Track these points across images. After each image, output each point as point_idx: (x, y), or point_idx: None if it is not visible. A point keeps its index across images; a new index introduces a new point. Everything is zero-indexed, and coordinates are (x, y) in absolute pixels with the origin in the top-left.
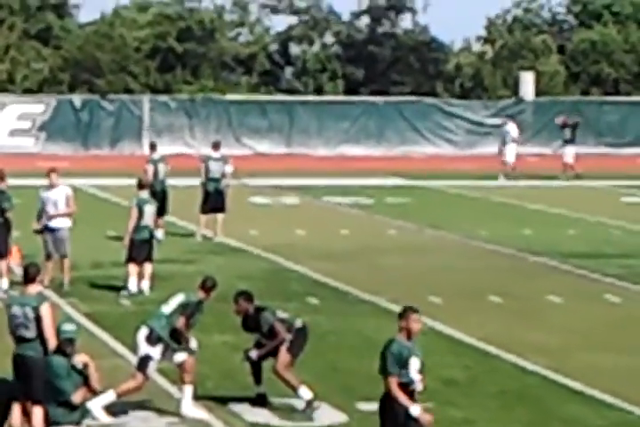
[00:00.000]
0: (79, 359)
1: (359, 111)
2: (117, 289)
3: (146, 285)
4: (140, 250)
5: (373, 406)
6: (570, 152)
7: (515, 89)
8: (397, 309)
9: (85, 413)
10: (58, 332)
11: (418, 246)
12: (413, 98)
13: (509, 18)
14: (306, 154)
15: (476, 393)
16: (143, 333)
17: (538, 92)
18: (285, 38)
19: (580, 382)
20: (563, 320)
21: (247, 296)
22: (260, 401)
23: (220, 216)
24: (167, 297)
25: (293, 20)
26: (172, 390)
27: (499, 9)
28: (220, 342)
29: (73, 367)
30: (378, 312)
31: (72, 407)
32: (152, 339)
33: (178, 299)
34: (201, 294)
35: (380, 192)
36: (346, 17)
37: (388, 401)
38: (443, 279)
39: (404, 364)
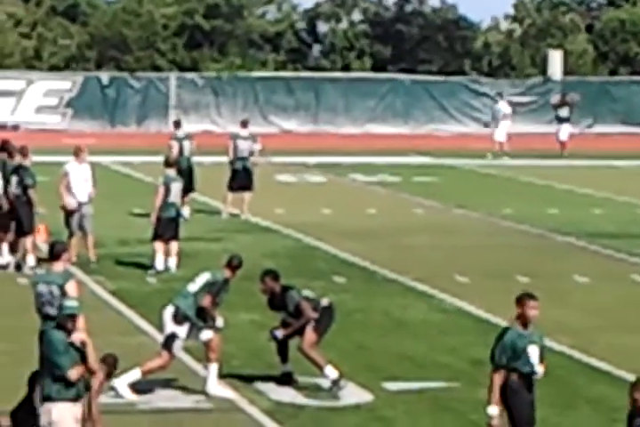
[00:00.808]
0: (76, 337)
1: (386, 89)
2: (143, 267)
3: (172, 262)
4: (167, 228)
5: (399, 386)
6: (566, 130)
7: (543, 68)
8: (423, 288)
9: (81, 391)
10: (60, 307)
11: (444, 226)
12: (440, 77)
13: None
14: (332, 132)
15: None
16: (169, 311)
17: (566, 72)
18: (313, 16)
19: (606, 363)
20: (589, 300)
21: (273, 275)
22: (285, 380)
23: (247, 194)
24: (193, 275)
25: None
26: (198, 367)
27: None
28: (247, 320)
29: (71, 344)
30: (404, 291)
31: (68, 384)
32: (178, 317)
33: (204, 277)
34: (227, 273)
35: (407, 171)
36: None
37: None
38: (469, 259)
39: (519, 354)
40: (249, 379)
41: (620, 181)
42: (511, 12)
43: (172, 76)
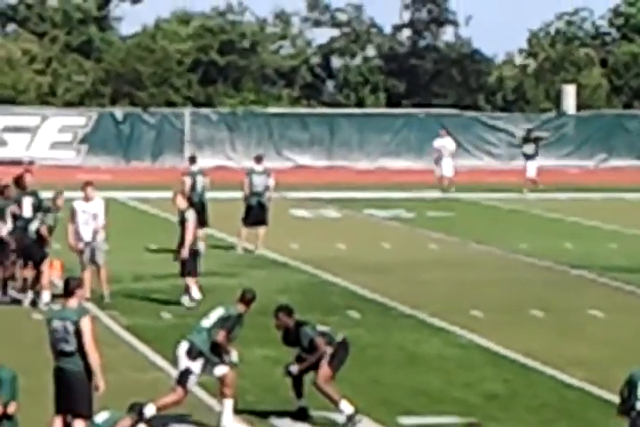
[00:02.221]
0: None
1: (400, 124)
2: (158, 302)
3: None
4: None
5: (414, 421)
6: (532, 167)
7: (557, 102)
8: (438, 323)
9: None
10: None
11: (459, 260)
12: (455, 111)
13: (552, 31)
14: (347, 167)
15: (516, 407)
16: (184, 347)
17: (580, 106)
18: (327, 51)
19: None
20: (604, 334)
21: (287, 311)
22: (301, 415)
23: (261, 229)
24: (208, 310)
25: (335, 32)
26: (212, 402)
27: (541, 22)
28: (261, 355)
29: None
30: (419, 326)
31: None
32: (192, 353)
33: (218, 312)
34: (240, 307)
35: (421, 205)
36: (387, 30)
37: None
38: (484, 293)
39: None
40: (264, 414)
41: (633, 214)
42: (525, 46)
43: (187, 112)
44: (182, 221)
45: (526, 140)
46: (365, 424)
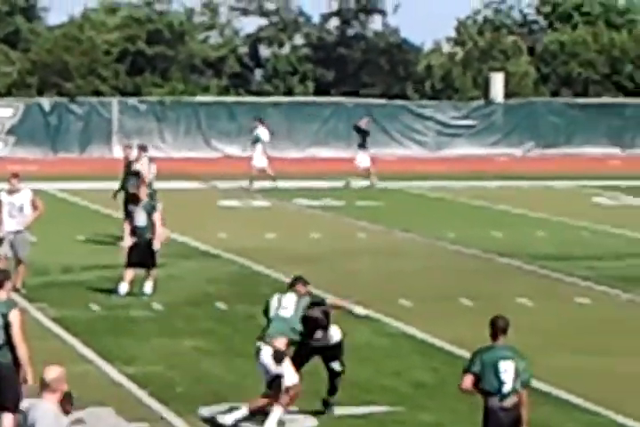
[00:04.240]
0: None
1: (329, 113)
2: (87, 294)
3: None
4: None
5: (344, 411)
6: (362, 158)
7: (485, 90)
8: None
9: None
10: None
11: (388, 249)
12: (383, 100)
13: (479, 19)
14: (275, 156)
15: (444, 395)
16: (267, 352)
17: (508, 93)
18: (255, 40)
19: (549, 385)
20: (532, 322)
21: (303, 280)
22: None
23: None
24: (136, 301)
25: (263, 22)
26: (141, 394)
27: (469, 10)
28: (191, 346)
29: None
30: (348, 316)
31: None
32: (278, 357)
33: (291, 300)
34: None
35: (350, 195)
36: (316, 19)
37: None
38: (412, 282)
39: None
40: (193, 405)
41: (562, 202)
42: (453, 34)
43: (115, 102)
44: (150, 212)
45: (358, 129)
46: (295, 415)
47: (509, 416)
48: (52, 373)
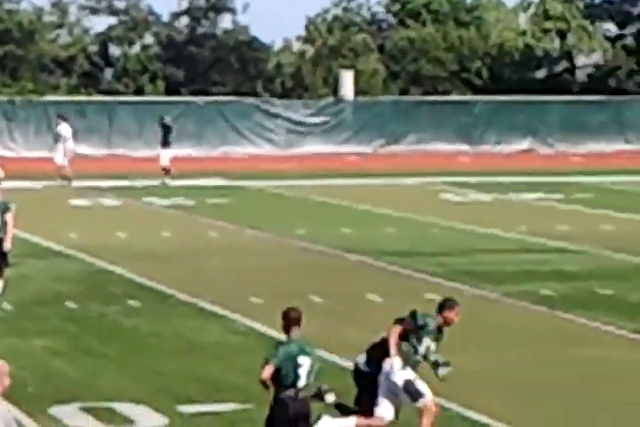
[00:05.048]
0: None
1: (179, 112)
2: None
3: None
4: None
5: (194, 408)
6: (165, 156)
7: (335, 88)
8: (218, 310)
9: None
10: None
11: (239, 247)
12: (234, 98)
13: (329, 17)
14: (126, 155)
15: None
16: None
17: (358, 91)
18: (105, 39)
19: None
20: (382, 319)
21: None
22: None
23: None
24: None
25: (113, 20)
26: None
27: (318, 8)
28: (41, 346)
29: None
30: (198, 314)
31: None
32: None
33: None
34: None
35: (201, 193)
36: (166, 17)
37: None
38: (263, 280)
39: None
40: (43, 406)
41: (411, 198)
42: (303, 33)
43: None
44: (4, 211)
45: (163, 126)
46: (145, 413)
47: (301, 408)
48: None
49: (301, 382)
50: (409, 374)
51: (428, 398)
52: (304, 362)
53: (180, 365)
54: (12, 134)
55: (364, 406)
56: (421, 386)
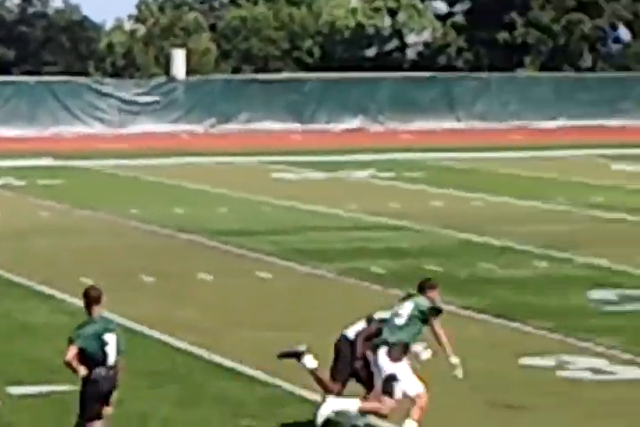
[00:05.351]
0: None
1: (10, 92)
2: None
3: None
4: None
5: (24, 390)
6: None
7: (167, 67)
8: (47, 290)
9: None
10: None
11: (69, 227)
12: (65, 77)
13: None
14: None
15: (126, 373)
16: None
17: (190, 70)
18: None
19: (230, 359)
20: (214, 298)
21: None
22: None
23: None
24: None
25: None
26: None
27: None
28: None
29: None
30: (27, 295)
31: None
32: (393, 354)
33: (409, 307)
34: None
35: (32, 173)
36: None
37: None
38: (94, 260)
39: None
40: None
41: (243, 177)
42: (135, 12)
43: None
44: None
45: None
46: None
47: (109, 385)
48: None
49: (110, 360)
50: (400, 368)
51: (420, 390)
52: (110, 339)
53: (10, 346)
54: None
55: (339, 377)
56: (404, 384)
